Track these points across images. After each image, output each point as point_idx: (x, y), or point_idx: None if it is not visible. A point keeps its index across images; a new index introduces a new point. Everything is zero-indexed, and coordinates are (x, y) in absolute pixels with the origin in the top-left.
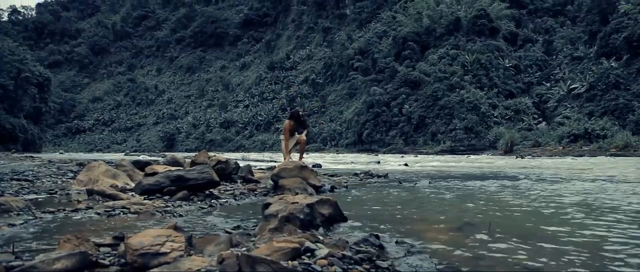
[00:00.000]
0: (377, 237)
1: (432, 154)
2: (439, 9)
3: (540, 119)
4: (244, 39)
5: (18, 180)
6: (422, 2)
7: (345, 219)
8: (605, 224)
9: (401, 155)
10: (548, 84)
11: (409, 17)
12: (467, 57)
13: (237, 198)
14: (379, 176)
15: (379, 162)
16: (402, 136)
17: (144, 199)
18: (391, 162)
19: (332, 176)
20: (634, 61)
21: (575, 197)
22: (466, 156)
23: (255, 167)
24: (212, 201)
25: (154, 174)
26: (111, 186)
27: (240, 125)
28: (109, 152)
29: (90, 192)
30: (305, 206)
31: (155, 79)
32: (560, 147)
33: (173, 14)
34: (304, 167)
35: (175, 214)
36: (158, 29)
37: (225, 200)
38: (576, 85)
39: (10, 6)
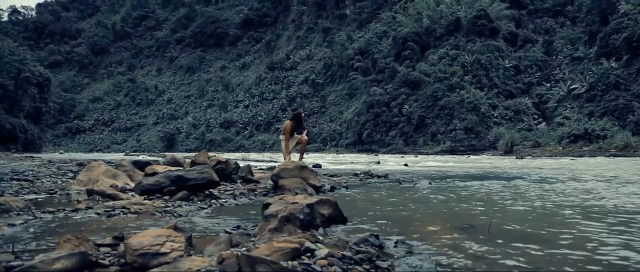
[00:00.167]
0: (377, 237)
1: (432, 154)
2: (439, 9)
3: (540, 120)
4: (244, 39)
5: (18, 180)
6: (422, 2)
7: (345, 220)
8: (605, 225)
9: (401, 155)
10: (548, 85)
11: (409, 18)
12: (467, 57)
13: (237, 198)
14: (379, 176)
15: (379, 163)
16: (402, 136)
17: (144, 199)
18: (391, 163)
19: (332, 176)
20: (634, 62)
21: (575, 198)
22: (466, 156)
23: (255, 167)
24: (212, 201)
25: (154, 174)
26: (111, 186)
27: (240, 125)
28: (109, 152)
29: (90, 192)
30: (305, 206)
31: (155, 79)
32: (560, 148)
33: (173, 14)
34: (303, 168)
35: (175, 214)
36: (158, 29)
37: (225, 200)
38: (576, 86)
39: (10, 6)
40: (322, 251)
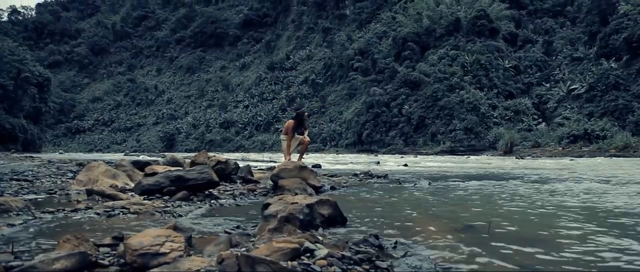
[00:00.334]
0: (377, 237)
1: (432, 154)
2: (438, 9)
3: (540, 120)
4: (244, 39)
5: (17, 180)
6: (422, 2)
7: (344, 220)
8: (605, 225)
9: (401, 155)
10: (548, 85)
11: (409, 18)
12: (467, 57)
13: (236, 198)
14: (378, 177)
15: (378, 163)
16: (401, 137)
17: (144, 199)
18: (391, 163)
19: (331, 176)
20: (633, 62)
21: (575, 199)
22: (466, 156)
23: (255, 167)
24: (212, 201)
25: (154, 174)
26: (111, 186)
27: (240, 125)
28: (108, 152)
29: (89, 193)
30: (305, 206)
31: (155, 79)
32: (560, 148)
33: (173, 14)
34: (303, 168)
35: (174, 214)
36: (158, 29)
37: (224, 200)
38: (576, 86)
39: (10, 6)
40: (322, 251)
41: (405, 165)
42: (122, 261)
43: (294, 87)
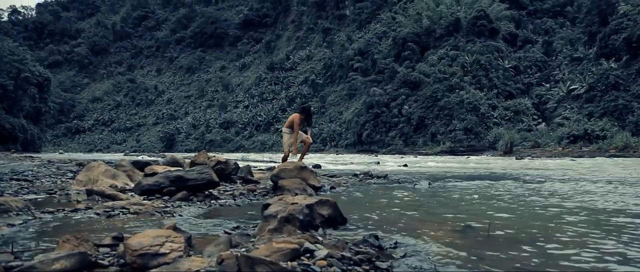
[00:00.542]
0: (377, 238)
1: (432, 154)
2: (438, 9)
3: (540, 120)
4: (244, 39)
5: (17, 180)
6: (422, 3)
7: (344, 220)
8: (605, 226)
9: (401, 156)
10: (547, 85)
11: (409, 18)
12: (466, 58)
13: (236, 199)
14: (378, 177)
15: (378, 163)
16: (401, 137)
17: (144, 199)
18: (391, 163)
19: (331, 176)
20: (633, 62)
21: (575, 199)
22: (466, 156)
23: (255, 167)
24: (212, 202)
25: (154, 174)
26: (111, 186)
27: (239, 125)
28: (108, 152)
29: (89, 193)
30: (305, 206)
31: (155, 80)
32: (560, 148)
33: (173, 15)
34: (303, 168)
35: (174, 214)
36: (158, 30)
37: (224, 200)
38: (576, 86)
39: (10, 6)
40: (322, 252)
41: (405, 165)
42: (121, 261)
43: (293, 88)
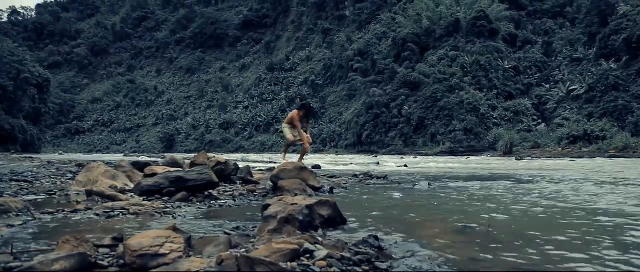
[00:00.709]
0: (377, 238)
1: (432, 155)
2: (438, 10)
3: (540, 121)
4: (244, 40)
5: (17, 181)
6: (422, 3)
7: (344, 221)
8: (605, 226)
9: (401, 156)
10: (547, 86)
11: (409, 19)
12: (466, 58)
13: (236, 199)
14: (378, 177)
15: (378, 164)
16: (401, 137)
17: (143, 200)
18: (391, 164)
19: (331, 177)
20: (633, 63)
21: (575, 199)
22: (466, 157)
23: (255, 168)
24: (211, 202)
25: (153, 175)
26: (110, 187)
27: (239, 126)
28: (108, 153)
29: (89, 193)
30: (305, 207)
31: (155, 80)
32: (560, 149)
33: (173, 15)
34: (303, 169)
35: (174, 215)
36: (158, 30)
37: (224, 201)
38: (575, 87)
39: (10, 7)
40: (322, 253)
41: (405, 166)
42: (121, 262)
43: (293, 88)
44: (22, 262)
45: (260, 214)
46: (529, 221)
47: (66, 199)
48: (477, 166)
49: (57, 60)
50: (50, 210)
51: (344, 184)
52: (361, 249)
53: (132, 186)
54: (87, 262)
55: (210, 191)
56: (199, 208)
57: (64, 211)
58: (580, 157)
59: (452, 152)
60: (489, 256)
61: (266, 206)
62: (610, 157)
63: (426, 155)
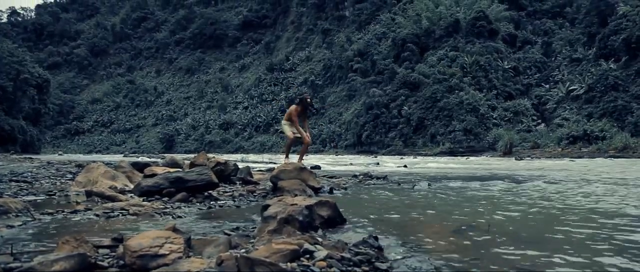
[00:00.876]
0: (376, 238)
1: (432, 155)
2: (438, 10)
3: (539, 121)
4: (243, 40)
5: (17, 181)
6: (421, 3)
7: (344, 221)
8: (604, 226)
9: (400, 156)
10: (547, 86)
11: (408, 19)
12: (466, 58)
13: (236, 200)
14: (378, 178)
15: (378, 164)
16: (401, 138)
17: (143, 200)
18: (390, 164)
19: (331, 177)
20: (632, 63)
21: (574, 200)
22: (465, 157)
23: (254, 168)
24: (211, 203)
25: (153, 175)
26: (110, 188)
27: (239, 126)
28: (108, 153)
29: (89, 194)
30: (304, 207)
31: (155, 81)
32: (559, 149)
33: (172, 16)
34: (303, 169)
35: (174, 215)
36: (157, 31)
37: (224, 202)
38: (575, 87)
39: (10, 8)
40: (321, 253)
41: (405, 166)
42: (121, 262)
43: (293, 89)
44: (21, 262)
45: (260, 215)
46: (529, 221)
47: (66, 200)
48: (476, 166)
49: (57, 61)
50: (50, 211)
51: (344, 184)
52: (361, 249)
53: (131, 186)
54: (87, 262)
55: (210, 192)
56: (198, 209)
57: (63, 211)
58: (579, 157)
59: (451, 153)
60: (488, 256)
61: (266, 207)
62: (610, 157)
63: (426, 155)
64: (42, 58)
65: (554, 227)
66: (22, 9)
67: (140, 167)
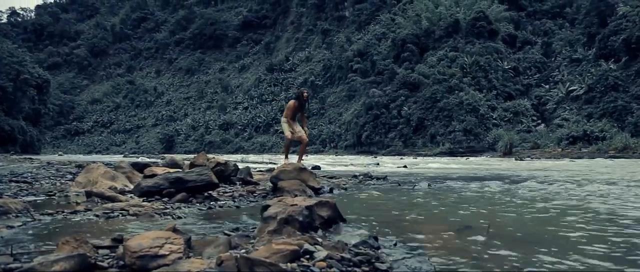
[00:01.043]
0: (376, 239)
1: (431, 156)
2: (437, 11)
3: (539, 121)
4: (243, 41)
5: (17, 182)
6: (421, 4)
7: (344, 221)
8: (604, 227)
9: (400, 157)
10: (547, 86)
11: (408, 19)
12: (466, 59)
13: (236, 200)
14: (378, 178)
15: (378, 164)
16: (401, 138)
17: (143, 201)
18: (390, 164)
19: (331, 178)
20: (632, 63)
21: (573, 200)
22: (465, 158)
23: (254, 169)
24: (211, 203)
25: (153, 175)
26: (110, 188)
27: (239, 127)
28: (108, 154)
29: (89, 194)
30: (304, 208)
31: (155, 81)
32: (559, 149)
33: (172, 16)
34: (302, 169)
35: (174, 216)
36: (157, 31)
37: (224, 202)
38: (575, 87)
39: (10, 8)
40: (321, 253)
41: (405, 166)
42: (121, 262)
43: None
44: (21, 263)
45: (260, 215)
46: (528, 222)
47: (66, 200)
48: (476, 167)
49: (57, 61)
50: (50, 211)
51: (344, 184)
52: (361, 249)
53: (131, 186)
54: (87, 263)
55: (210, 192)
56: (198, 209)
57: (63, 212)
58: (579, 157)
59: (451, 153)
60: (488, 256)
61: (266, 207)
62: (610, 157)
63: (426, 156)
64: (42, 58)
65: (553, 227)
66: (22, 9)
67: (140, 167)
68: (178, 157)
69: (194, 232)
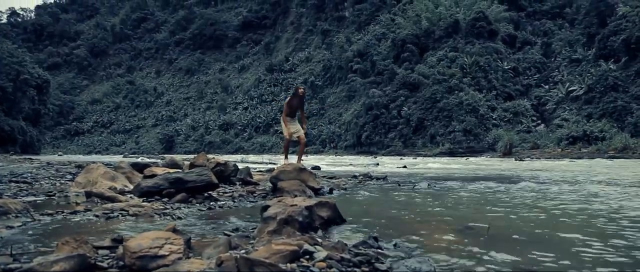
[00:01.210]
0: (376, 239)
1: (431, 156)
2: (437, 11)
3: (539, 121)
4: (243, 41)
5: (17, 182)
6: (421, 4)
7: (344, 222)
8: (603, 227)
9: (400, 157)
10: (547, 86)
11: (408, 20)
12: (465, 59)
13: (235, 200)
14: (377, 178)
15: (377, 165)
16: (401, 138)
17: (143, 201)
18: (390, 165)
19: (330, 178)
20: (632, 63)
21: (573, 200)
22: (465, 158)
23: (254, 169)
24: (211, 203)
25: (153, 176)
26: (110, 188)
27: (239, 127)
28: (107, 154)
29: (88, 194)
30: (304, 208)
31: (154, 81)
32: (559, 149)
33: (172, 16)
34: (302, 170)
35: (174, 216)
36: (157, 31)
37: (224, 202)
38: (575, 88)
39: (10, 8)
40: (321, 254)
41: (405, 167)
42: (121, 263)
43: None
44: (21, 263)
45: (259, 215)
46: (528, 222)
47: (65, 201)
48: (476, 167)
49: (57, 62)
50: (50, 211)
51: (344, 185)
52: (361, 250)
53: (131, 187)
54: (87, 263)
55: (209, 192)
56: (198, 209)
57: (63, 212)
58: (579, 157)
59: (451, 153)
60: (488, 256)
61: (266, 207)
62: (610, 157)
63: (425, 156)
64: (41, 59)
65: (553, 228)
66: (22, 9)
67: (139, 167)
68: (178, 157)
69: (193, 233)
